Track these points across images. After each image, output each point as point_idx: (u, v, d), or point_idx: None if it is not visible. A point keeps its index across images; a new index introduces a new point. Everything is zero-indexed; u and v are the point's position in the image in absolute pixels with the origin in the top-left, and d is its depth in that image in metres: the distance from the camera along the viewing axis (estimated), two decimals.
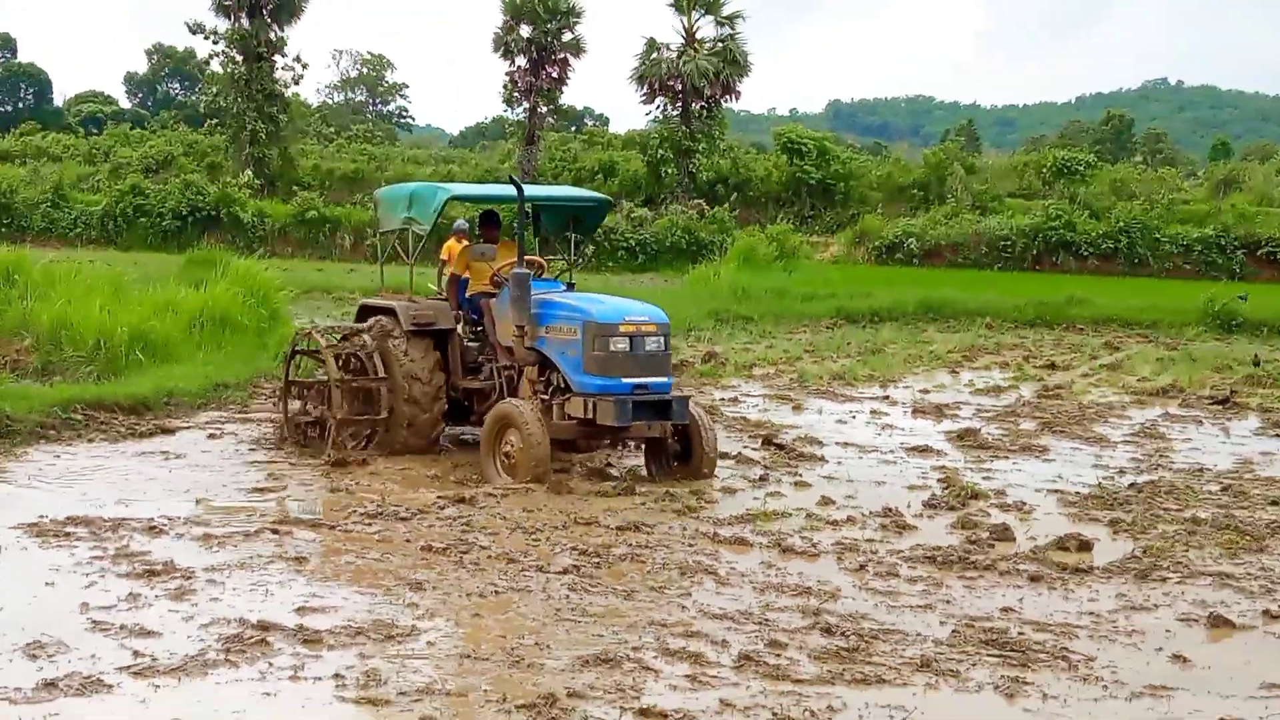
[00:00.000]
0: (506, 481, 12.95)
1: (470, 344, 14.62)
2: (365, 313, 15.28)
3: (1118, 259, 47.95)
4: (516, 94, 59.28)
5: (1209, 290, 32.45)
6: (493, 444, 13.27)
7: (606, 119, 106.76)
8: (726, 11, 57.76)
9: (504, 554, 10.73)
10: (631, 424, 13.08)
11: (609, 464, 14.56)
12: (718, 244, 45.32)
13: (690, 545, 11.25)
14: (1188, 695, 8.12)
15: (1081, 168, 59.12)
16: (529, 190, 15.22)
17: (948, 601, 9.94)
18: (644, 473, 14.06)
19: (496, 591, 9.75)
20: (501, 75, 59.73)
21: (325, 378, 14.77)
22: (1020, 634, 9.13)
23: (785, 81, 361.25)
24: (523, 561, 10.52)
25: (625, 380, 13.00)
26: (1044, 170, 60.38)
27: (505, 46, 58.44)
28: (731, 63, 57.22)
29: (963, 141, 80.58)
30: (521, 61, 58.62)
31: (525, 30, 58.15)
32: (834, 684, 8.06)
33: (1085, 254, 48.37)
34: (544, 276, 14.83)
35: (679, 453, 13.82)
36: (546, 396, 13.46)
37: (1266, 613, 9.85)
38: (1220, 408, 19.38)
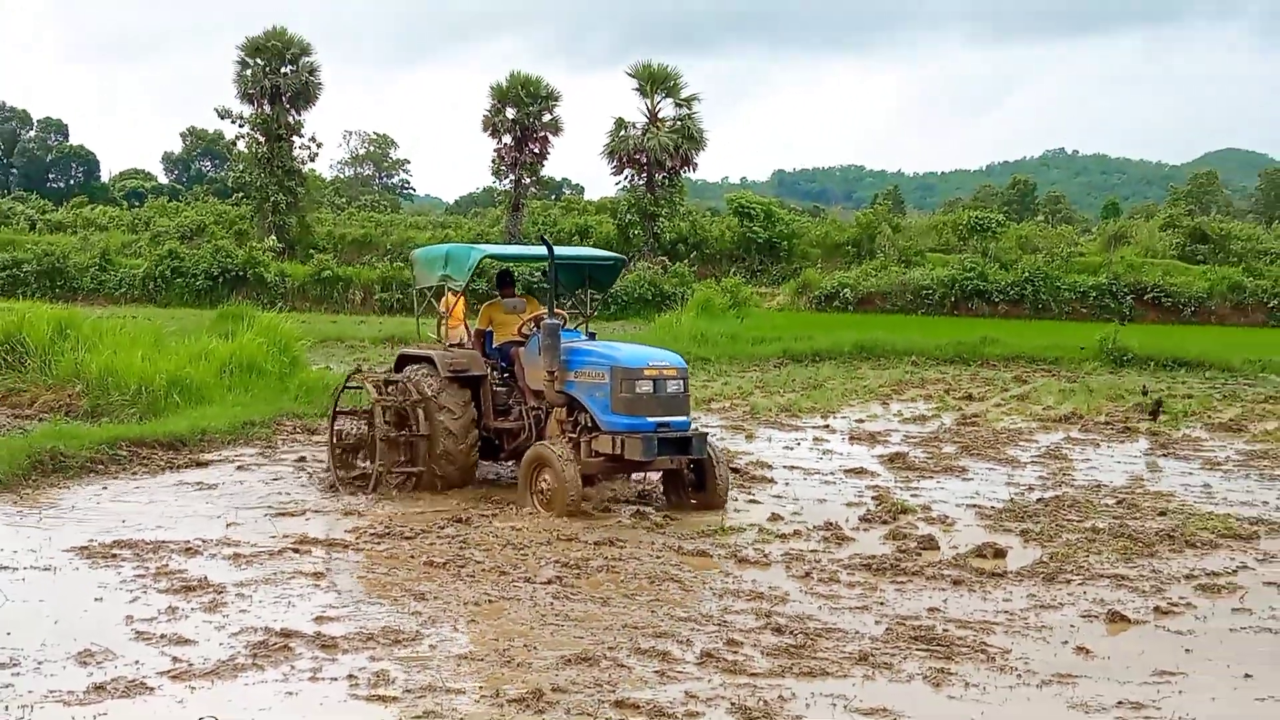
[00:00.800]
0: (544, 515, 12.55)
1: (499, 388, 14.18)
2: (403, 361, 14.76)
3: (1024, 304, 48.21)
4: (503, 167, 59.29)
5: (1102, 330, 32.64)
6: (529, 481, 12.89)
7: (582, 188, 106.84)
8: (684, 94, 57.98)
9: (496, 567, 10.69)
10: (656, 459, 12.76)
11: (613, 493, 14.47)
12: (679, 295, 45.35)
13: (658, 557, 11.21)
14: (1090, 682, 8.12)
15: (992, 226, 59.47)
16: (534, 251, 15.19)
17: (882, 603, 9.93)
18: (661, 500, 13.71)
19: (490, 600, 9.71)
20: (490, 151, 59.73)
21: (370, 412, 14.33)
22: (945, 631, 9.13)
23: (736, 153, 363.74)
24: (512, 574, 10.48)
25: (650, 419, 12.70)
26: (960, 228, 60.70)
27: (493, 126, 58.47)
28: (689, 138, 57.38)
29: (889, 205, 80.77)
30: (508, 139, 58.63)
31: (510, 112, 58.20)
32: (784, 676, 8.04)
33: (996, 300, 48.63)
34: (567, 327, 14.21)
35: (694, 483, 13.41)
36: (575, 435, 13.07)
37: (1157, 609, 9.88)
38: (1151, 419, 19.37)
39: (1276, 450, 17.95)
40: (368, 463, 14.32)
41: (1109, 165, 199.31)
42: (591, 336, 14.22)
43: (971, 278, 48.89)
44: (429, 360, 14.13)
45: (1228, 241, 56.76)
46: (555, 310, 13.73)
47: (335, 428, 14.65)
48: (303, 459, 15.93)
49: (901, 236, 61.11)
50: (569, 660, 8.15)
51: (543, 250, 13.87)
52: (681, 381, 13.10)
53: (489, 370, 14.20)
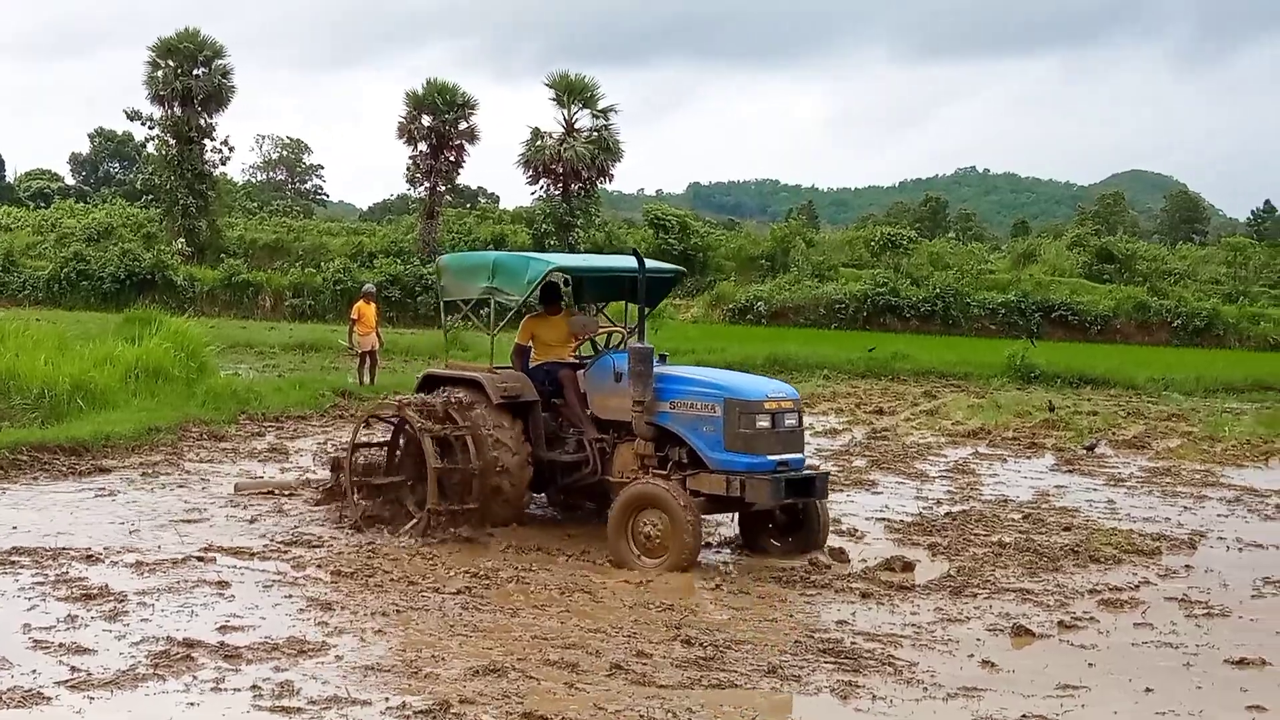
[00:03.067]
0: (645, 564, 11.16)
1: (543, 415, 12.72)
2: (430, 383, 13.11)
3: (935, 320, 48.77)
4: (418, 175, 58.84)
5: (1011, 347, 33.11)
6: (626, 524, 11.39)
7: (497, 197, 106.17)
8: (601, 105, 57.94)
9: (404, 577, 10.61)
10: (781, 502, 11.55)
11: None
12: (593, 306, 45.35)
13: (569, 569, 11.18)
14: (995, 695, 8.20)
15: (904, 242, 60.05)
16: (606, 262, 14.00)
17: (791, 615, 9.98)
18: (740, 543, 12.44)
19: (398, 610, 9.62)
20: (405, 158, 59.29)
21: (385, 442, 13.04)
22: (853, 643, 9.19)
23: (652, 165, 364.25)
24: (421, 583, 10.41)
25: (770, 457, 11.39)
26: (872, 244, 61.23)
27: (409, 134, 58.02)
28: (606, 149, 57.37)
29: (804, 219, 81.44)
30: (423, 147, 58.18)
31: (427, 119, 57.79)
32: (693, 688, 8.04)
33: (908, 315, 49.14)
34: (618, 348, 12.76)
35: (785, 524, 12.18)
36: (664, 473, 11.63)
37: (1061, 624, 10.01)
38: (1088, 452, 19.58)
39: (1178, 467, 18.28)
40: (395, 500, 12.75)
41: (1019, 184, 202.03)
42: (662, 359, 12.43)
43: (884, 293, 49.38)
44: (470, 384, 12.61)
45: (1133, 261, 57.77)
46: (607, 328, 12.88)
47: (347, 459, 13.03)
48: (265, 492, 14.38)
49: (815, 251, 61.60)
50: (477, 671, 8.09)
51: (619, 262, 13.06)
52: (798, 415, 11.93)
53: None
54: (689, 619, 9.69)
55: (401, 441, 12.82)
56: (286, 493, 14.15)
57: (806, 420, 22.08)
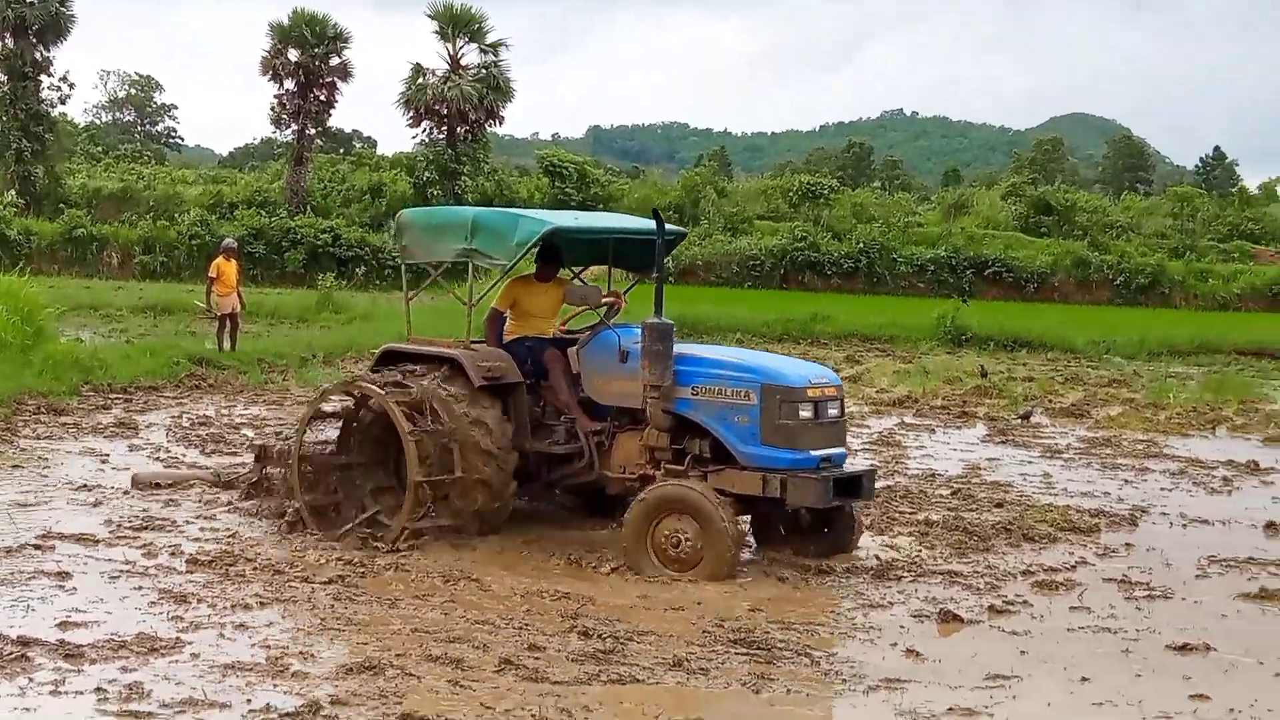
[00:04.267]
0: (670, 575, 10.65)
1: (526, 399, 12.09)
2: (390, 360, 12.32)
3: (858, 278, 49.26)
4: (285, 116, 58.19)
5: (940, 307, 33.50)
6: (647, 530, 10.83)
7: (375, 141, 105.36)
8: (490, 39, 57.64)
9: (269, 565, 10.54)
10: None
11: None
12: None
13: (454, 555, 11.16)
14: (920, 687, 8.32)
15: (825, 192, 60.46)
16: (612, 221, 13.07)
17: (699, 603, 10.03)
18: (751, 544, 11.83)
19: (261, 602, 9.55)
20: (270, 98, 58.59)
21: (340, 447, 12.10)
22: (767, 633, 9.27)
23: (547, 107, 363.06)
24: (288, 572, 10.34)
25: (813, 452, 10.91)
26: (791, 194, 61.58)
27: (273, 70, 57.33)
28: (495, 89, 57.09)
29: (715, 167, 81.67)
30: (290, 84, 57.54)
31: (293, 54, 57.12)
32: (591, 684, 8.06)
33: (829, 273, 49.58)
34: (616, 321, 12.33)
35: (809, 524, 11.64)
36: (681, 468, 11.17)
37: (992, 608, 10.17)
38: (1023, 421, 19.89)
39: (1119, 437, 18.64)
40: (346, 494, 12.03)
41: (950, 129, 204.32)
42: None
43: (803, 248, 49.76)
44: (443, 361, 11.84)
45: (1073, 213, 58.60)
46: (608, 296, 12.18)
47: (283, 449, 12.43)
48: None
49: (728, 202, 61.81)
50: (350, 669, 8.06)
51: (625, 222, 12.59)
52: (840, 403, 11.41)
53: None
54: (587, 608, 9.71)
55: (355, 427, 12.03)
56: (190, 485, 13.62)
57: None
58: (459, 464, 11.24)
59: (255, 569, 10.42)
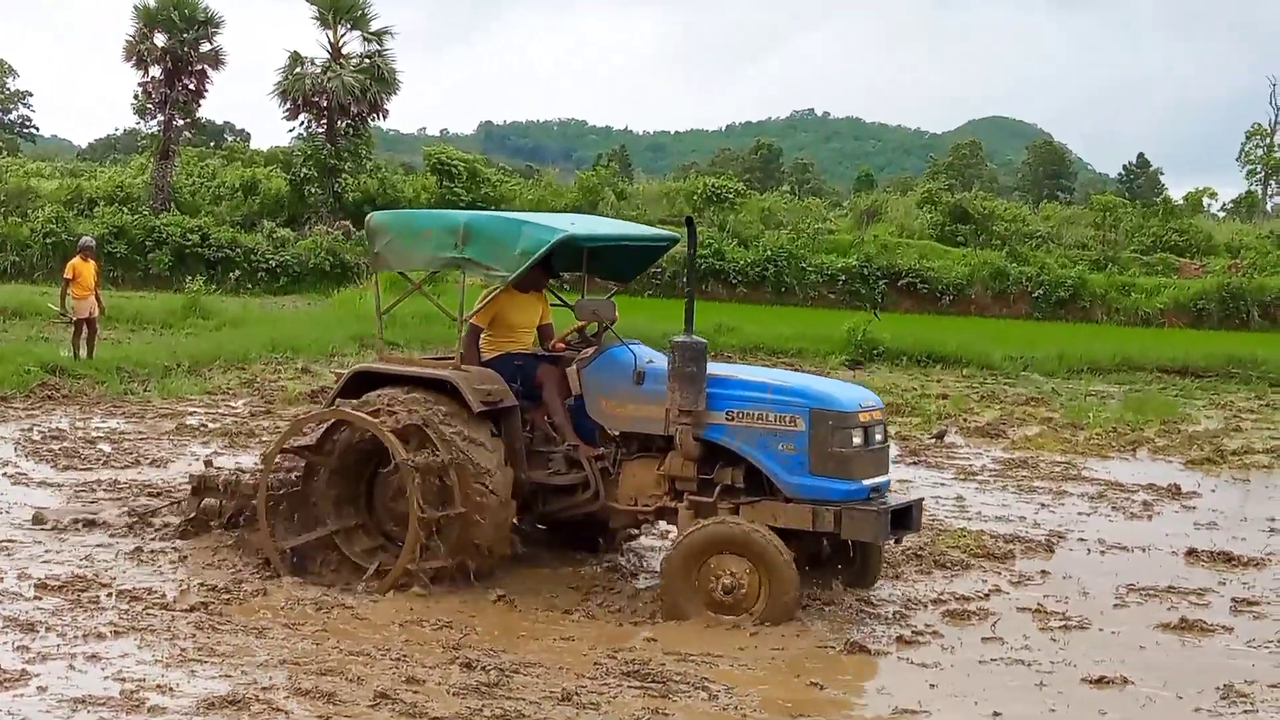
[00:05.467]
0: (722, 621, 10.34)
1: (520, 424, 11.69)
2: (361, 383, 11.62)
3: (765, 287, 49.52)
4: (150, 106, 57.46)
5: (851, 319, 33.79)
6: (692, 574, 10.49)
7: (248, 134, 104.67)
8: (374, 27, 57.33)
9: (127, 591, 10.41)
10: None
11: None
12: (364, 267, 44.89)
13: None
14: (823, 719, 8.39)
15: (731, 196, 60.70)
16: (625, 229, 12.52)
17: (590, 633, 10.06)
18: None
19: (116, 631, 9.44)
20: (134, 86, 57.85)
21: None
22: (662, 665, 9.29)
23: (436, 101, 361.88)
24: (146, 599, 10.22)
25: (865, 482, 10.73)
26: (694, 197, 61.74)
27: (138, 55, 56.59)
28: (379, 80, 56.79)
29: (615, 167, 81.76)
30: (156, 72, 56.81)
31: (160, 39, 56.44)
32: (473, 719, 8.05)
33: (734, 282, 49.80)
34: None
35: (828, 555, 11.52)
36: (708, 500, 10.88)
37: (900, 639, 10.28)
38: (937, 441, 20.07)
39: (1037, 458, 18.88)
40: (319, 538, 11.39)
41: (863, 130, 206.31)
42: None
43: (706, 255, 49.89)
44: (432, 384, 11.26)
45: (991, 222, 59.24)
46: (598, 308, 11.42)
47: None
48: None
49: (628, 204, 61.84)
50: (212, 704, 7.99)
51: (637, 230, 12.16)
52: (884, 427, 11.29)
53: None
54: (470, 639, 9.71)
55: (329, 457, 11.38)
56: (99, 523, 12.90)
57: None
58: (458, 498, 10.81)
59: (110, 595, 10.29)
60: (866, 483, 10.72)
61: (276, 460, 11.56)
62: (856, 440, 10.69)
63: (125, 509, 13.25)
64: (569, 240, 11.30)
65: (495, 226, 11.57)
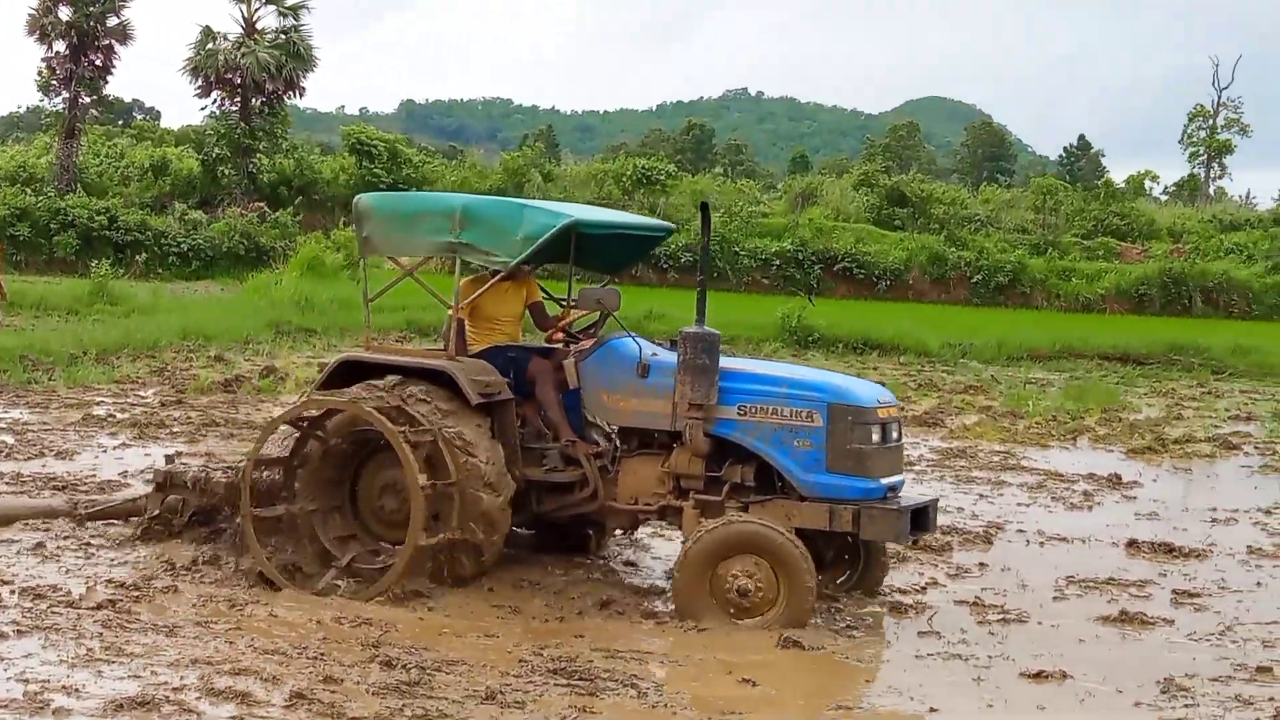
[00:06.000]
0: (738, 624, 10.25)
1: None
2: (347, 372, 11.36)
3: (696, 272, 49.52)
4: (55, 82, 56.93)
5: (786, 305, 33.89)
6: (708, 575, 10.37)
7: (158, 113, 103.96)
8: (290, 2, 57.02)
9: (30, 589, 10.28)
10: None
11: None
12: (280, 250, 44.65)
13: (242, 576, 11.01)
14: (757, 717, 8.41)
15: (662, 178, 60.78)
16: (612, 217, 12.12)
17: (516, 630, 10.05)
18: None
19: (19, 630, 9.30)
20: (38, 61, 57.26)
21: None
22: (590, 662, 9.29)
23: (355, 79, 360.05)
24: (50, 597, 10.09)
25: (882, 480, 10.70)
26: (624, 179, 61.79)
27: (42, 30, 56.06)
28: (295, 56, 56.52)
29: (541, 148, 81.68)
30: (60, 47, 56.32)
31: (65, 12, 55.93)
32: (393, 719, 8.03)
33: (664, 267, 49.83)
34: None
35: (831, 559, 11.45)
36: (716, 498, 10.83)
37: (835, 633, 10.32)
38: None
39: (975, 448, 19.02)
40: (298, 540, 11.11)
41: (798, 111, 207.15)
42: (673, 345, 11.31)
43: None
44: (425, 375, 11.04)
45: (929, 205, 59.62)
46: (603, 297, 11.26)
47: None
48: None
49: (555, 187, 61.84)
50: (120, 705, 7.89)
51: (626, 219, 11.94)
52: (900, 424, 11.24)
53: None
54: (390, 636, 9.65)
55: (309, 456, 11.11)
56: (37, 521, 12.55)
57: None
58: (453, 472, 10.61)
59: (13, 593, 10.17)
60: (884, 481, 10.68)
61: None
62: (875, 437, 10.63)
63: (67, 501, 12.91)
64: (572, 227, 11.08)
65: (495, 210, 11.42)
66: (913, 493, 14.23)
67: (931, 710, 8.76)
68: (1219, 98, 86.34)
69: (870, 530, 10.52)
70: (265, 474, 11.18)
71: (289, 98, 59.21)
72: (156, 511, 11.94)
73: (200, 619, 9.82)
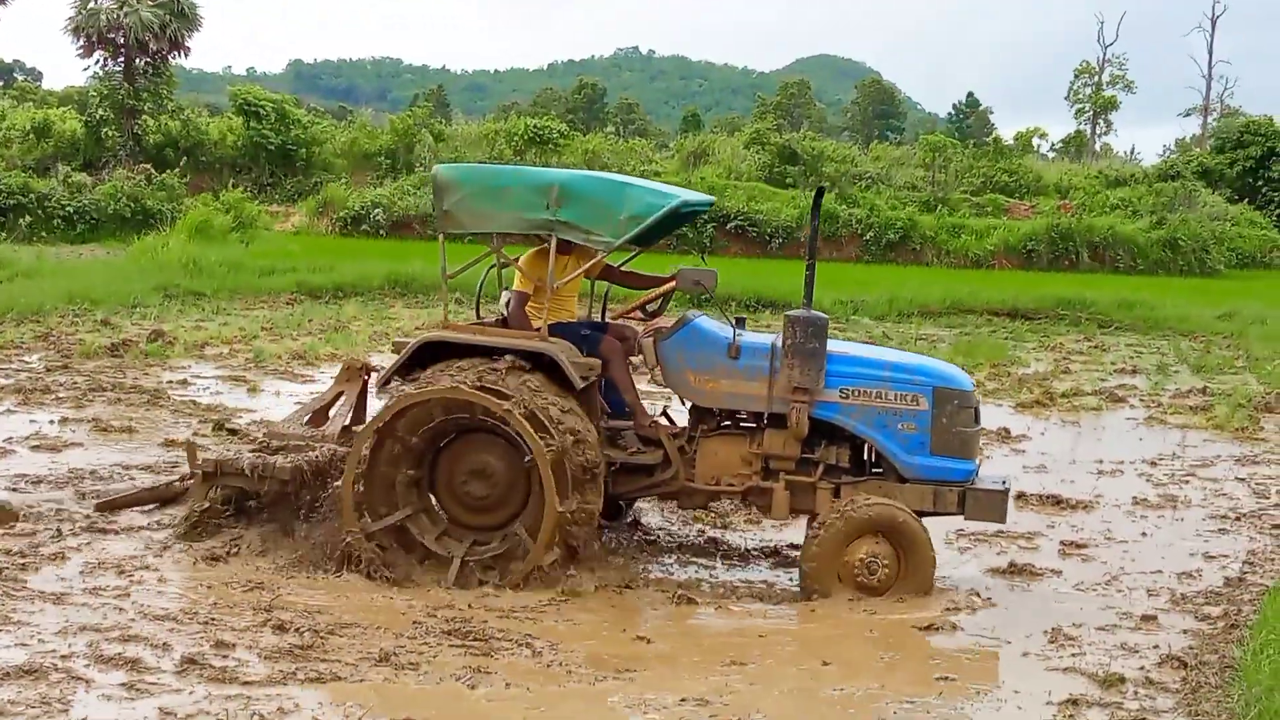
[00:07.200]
0: (858, 597, 10.28)
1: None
2: (427, 355, 11.03)
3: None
4: None
5: (678, 264, 33.90)
6: (841, 554, 10.35)
7: (39, 74, 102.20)
8: None
9: None
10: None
11: None
12: (167, 213, 44.03)
13: (132, 541, 10.90)
14: (651, 676, 8.48)
15: (554, 137, 60.54)
16: (688, 195, 11.44)
17: (410, 592, 10.02)
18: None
19: None
20: None
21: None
22: (484, 622, 9.31)
23: (243, 38, 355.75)
24: None
25: (973, 461, 10.90)
26: (515, 139, 61.48)
27: None
28: (179, 15, 55.67)
29: (432, 107, 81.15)
30: None
31: None
32: (286, 684, 8.00)
33: None
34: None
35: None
36: (809, 479, 10.84)
37: (731, 589, 10.41)
38: None
39: None
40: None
41: (690, 69, 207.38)
42: (740, 322, 11.51)
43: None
44: (525, 357, 10.62)
45: (820, 163, 59.81)
46: (698, 276, 11.01)
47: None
48: None
49: (446, 147, 61.44)
50: (7, 674, 7.83)
51: (705, 198, 11.70)
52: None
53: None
54: (282, 600, 9.62)
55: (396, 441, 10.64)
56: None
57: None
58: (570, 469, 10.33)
59: None
60: (974, 462, 10.90)
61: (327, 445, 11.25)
62: (973, 420, 10.85)
63: (80, 496, 12.22)
64: (680, 207, 10.86)
65: (596, 188, 10.96)
66: None
67: (825, 664, 8.85)
68: (1104, 54, 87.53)
69: (975, 511, 10.79)
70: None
71: (174, 58, 58.29)
72: (205, 505, 11.27)
73: (89, 586, 9.72)
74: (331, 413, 12.10)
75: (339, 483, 10.74)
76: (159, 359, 20.35)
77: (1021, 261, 47.52)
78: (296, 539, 10.89)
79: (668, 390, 11.47)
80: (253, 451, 11.47)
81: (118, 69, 56.38)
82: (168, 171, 49.53)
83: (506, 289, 11.51)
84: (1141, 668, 8.95)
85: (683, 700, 8.05)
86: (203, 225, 37.54)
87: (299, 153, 58.16)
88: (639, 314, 11.82)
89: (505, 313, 11.33)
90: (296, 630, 8.89)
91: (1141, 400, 20.34)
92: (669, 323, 11.42)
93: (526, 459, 10.29)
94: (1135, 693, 8.49)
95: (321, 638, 8.80)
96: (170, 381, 18.48)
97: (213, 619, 9.11)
